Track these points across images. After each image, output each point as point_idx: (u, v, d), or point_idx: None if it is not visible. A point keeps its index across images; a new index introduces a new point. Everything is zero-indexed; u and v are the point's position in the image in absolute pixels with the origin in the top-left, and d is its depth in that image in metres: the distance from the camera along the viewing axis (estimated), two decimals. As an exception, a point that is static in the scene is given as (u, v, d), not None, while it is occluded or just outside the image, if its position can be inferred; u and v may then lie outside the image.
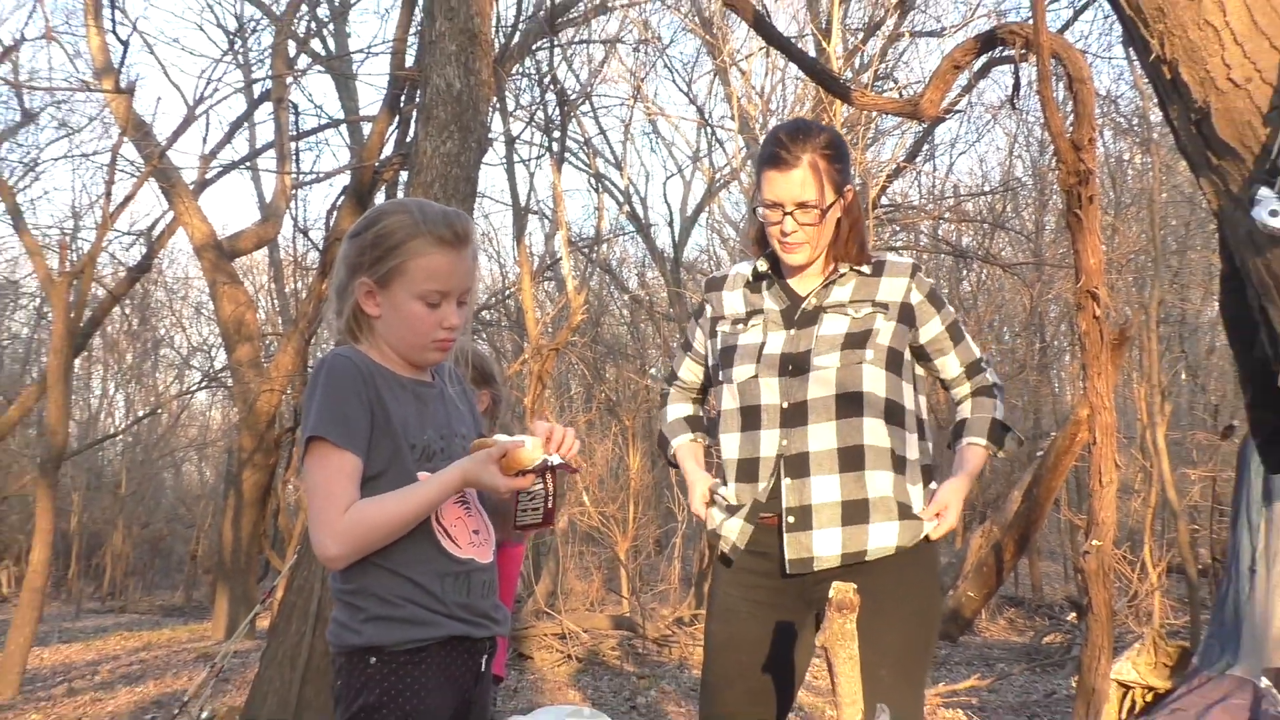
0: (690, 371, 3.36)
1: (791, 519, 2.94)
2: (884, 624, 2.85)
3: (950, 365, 3.09)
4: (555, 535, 12.09)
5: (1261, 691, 5.72)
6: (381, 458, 2.37)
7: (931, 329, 3.06)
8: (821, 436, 2.93)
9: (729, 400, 3.06)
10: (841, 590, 2.52)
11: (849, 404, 2.93)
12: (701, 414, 3.41)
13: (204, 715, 6.77)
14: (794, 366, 2.97)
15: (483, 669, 2.49)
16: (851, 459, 2.93)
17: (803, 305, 3.04)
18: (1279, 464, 2.40)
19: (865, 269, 3.05)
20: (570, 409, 16.92)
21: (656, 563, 15.21)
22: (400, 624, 2.35)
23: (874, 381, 2.94)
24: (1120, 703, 6.85)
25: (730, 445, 3.06)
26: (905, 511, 2.95)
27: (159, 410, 24.36)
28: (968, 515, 13.85)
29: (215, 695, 8.47)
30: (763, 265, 3.13)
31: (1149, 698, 6.90)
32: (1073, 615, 11.34)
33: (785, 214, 2.96)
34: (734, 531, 3.03)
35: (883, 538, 2.92)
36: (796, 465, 2.95)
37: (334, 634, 2.41)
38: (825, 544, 2.92)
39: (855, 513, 2.92)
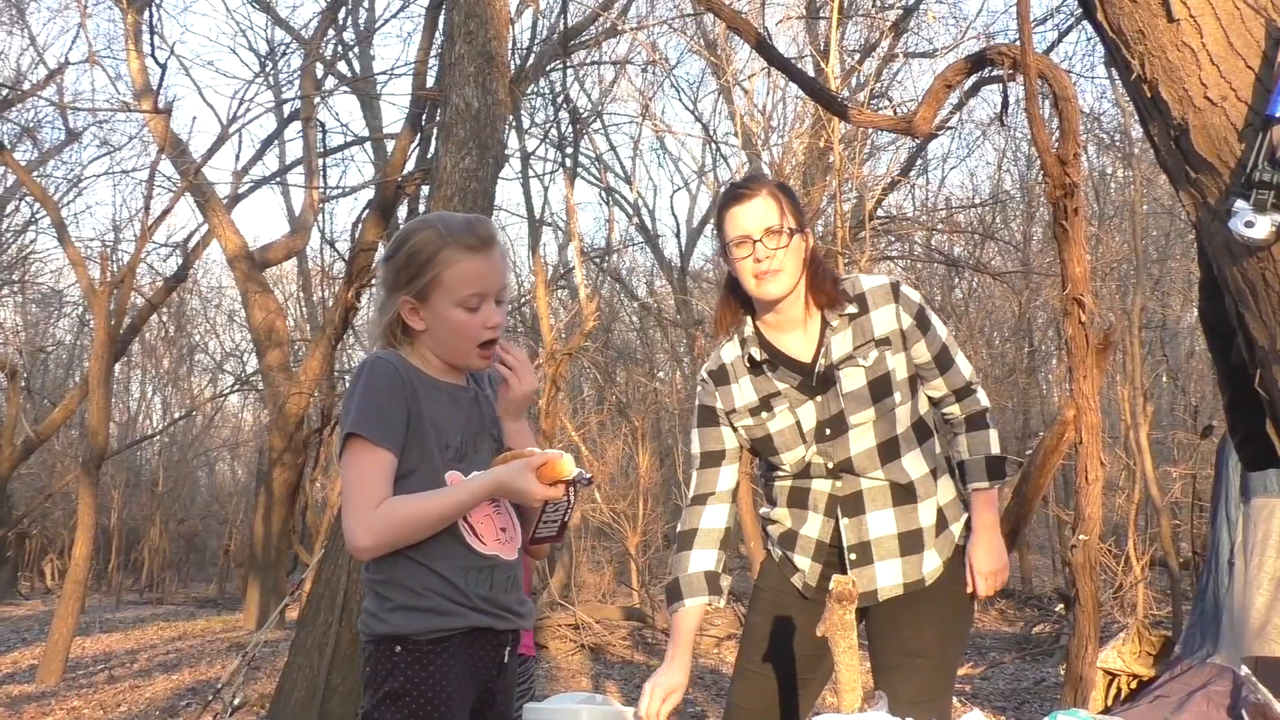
0: (721, 478, 3.03)
1: (854, 556, 2.91)
2: (923, 614, 2.89)
3: (939, 387, 2.98)
4: (570, 530, 12.07)
5: (1240, 679, 5.69)
6: (413, 456, 2.36)
7: (919, 353, 2.94)
8: (870, 480, 2.91)
9: (781, 478, 3.01)
10: (841, 582, 2.52)
11: (889, 450, 2.90)
12: (722, 562, 3.04)
13: (236, 701, 6.77)
14: (831, 430, 2.89)
15: (505, 660, 2.47)
16: (902, 494, 2.91)
17: (815, 371, 2.90)
18: (1255, 462, 2.39)
19: (852, 309, 2.90)
20: (583, 411, 16.89)
21: (665, 556, 15.17)
22: (425, 614, 2.35)
23: (904, 420, 2.91)
24: (1106, 689, 6.83)
25: (781, 515, 3.04)
26: (941, 525, 2.95)
27: (194, 412, 24.44)
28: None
29: (247, 682, 8.48)
30: (756, 352, 2.94)
31: (1134, 685, 6.89)
32: (1061, 606, 11.30)
33: (755, 242, 2.82)
34: (805, 569, 3.00)
35: (931, 562, 2.93)
36: (852, 504, 2.92)
37: (363, 622, 2.42)
38: (889, 575, 2.91)
39: (912, 543, 2.92)
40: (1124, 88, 2.57)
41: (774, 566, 3.10)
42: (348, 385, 2.50)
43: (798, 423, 2.92)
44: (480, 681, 2.42)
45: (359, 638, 2.46)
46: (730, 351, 3.01)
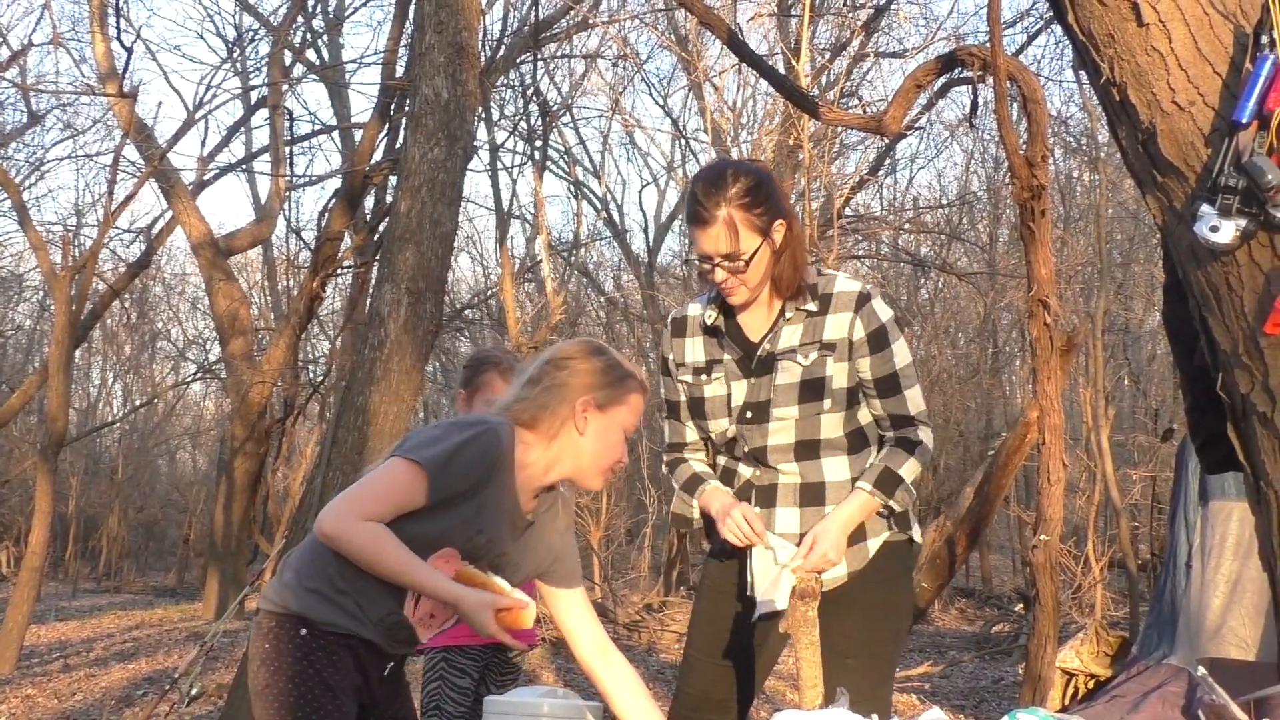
0: (689, 430, 3.09)
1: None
2: (850, 614, 2.86)
3: (876, 409, 2.92)
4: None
5: (1196, 680, 5.75)
6: (440, 520, 2.42)
7: (863, 369, 2.89)
8: (786, 475, 2.92)
9: (718, 454, 3.06)
10: (805, 579, 2.53)
11: (807, 450, 2.90)
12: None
13: (193, 691, 6.72)
14: (753, 415, 2.91)
15: (387, 672, 2.56)
16: (812, 495, 2.91)
17: (757, 354, 2.92)
18: (1215, 466, 2.41)
19: (812, 305, 2.90)
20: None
21: (628, 551, 15.21)
22: (335, 608, 2.41)
23: (832, 427, 2.89)
24: (1064, 689, 6.89)
25: None
26: (856, 534, 2.90)
27: (155, 400, 24.23)
28: (922, 510, 13.90)
29: (204, 672, 8.40)
30: (712, 316, 2.98)
31: (1091, 684, 6.94)
32: (1020, 606, 11.39)
33: (714, 265, 2.84)
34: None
35: (836, 569, 2.87)
36: (766, 495, 2.94)
37: (275, 592, 2.45)
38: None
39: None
40: (1093, 91, 2.58)
41: (715, 557, 3.10)
42: (441, 423, 2.57)
43: (729, 395, 2.95)
44: (366, 681, 2.50)
45: (259, 608, 2.50)
46: (697, 308, 3.05)
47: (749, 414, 2.91)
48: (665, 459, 3.13)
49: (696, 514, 3.03)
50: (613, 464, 2.60)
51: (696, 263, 2.93)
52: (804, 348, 2.88)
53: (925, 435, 2.91)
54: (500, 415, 2.53)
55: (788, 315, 2.90)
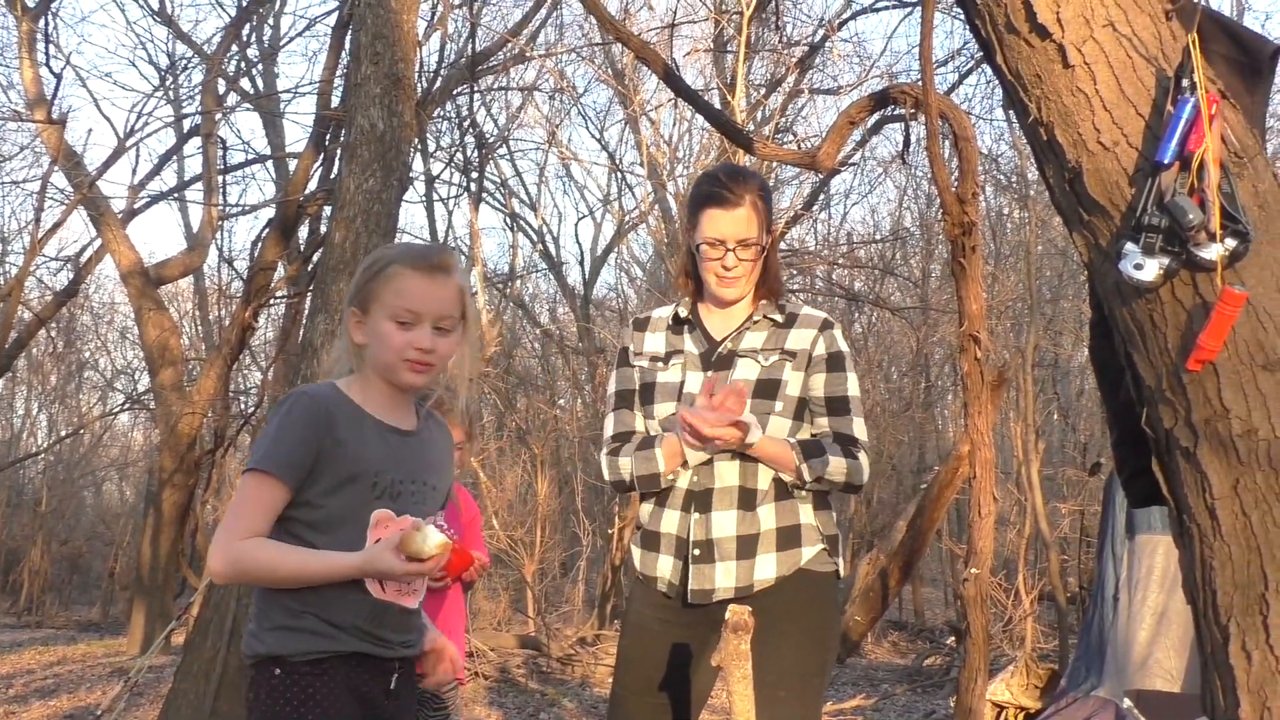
0: (638, 419, 3.09)
1: (697, 551, 2.93)
2: (778, 646, 2.85)
3: (823, 426, 2.97)
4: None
5: (1122, 712, 5.82)
6: (327, 488, 2.33)
7: (815, 385, 2.97)
8: (726, 475, 2.93)
9: (652, 432, 3.05)
10: (737, 612, 2.53)
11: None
12: None
13: (117, 728, 6.61)
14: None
15: (393, 685, 2.42)
16: (746, 497, 2.93)
17: (718, 350, 3.01)
18: (1141, 500, 2.44)
19: (778, 317, 3.02)
20: (482, 436, 16.79)
21: (562, 585, 15.12)
22: (300, 634, 2.31)
23: (779, 431, 2.93)
24: (994, 721, 6.93)
25: (645, 510, 3.07)
26: (789, 540, 2.94)
27: (81, 430, 23.82)
28: (855, 544, 13.97)
29: (129, 709, 8.26)
30: (684, 310, 3.09)
31: (1021, 717, 7.00)
32: (952, 639, 11.45)
33: (728, 250, 2.94)
34: (667, 569, 3.00)
35: (765, 570, 2.92)
36: (703, 500, 2.95)
37: (245, 643, 2.38)
38: (724, 577, 2.92)
39: (747, 547, 2.92)
40: (1022, 130, 2.63)
41: (639, 587, 3.11)
42: (269, 414, 2.49)
43: (682, 383, 3.01)
44: (367, 706, 2.37)
45: (244, 662, 2.41)
46: (662, 311, 3.17)
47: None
48: (606, 450, 3.10)
49: (662, 465, 2.97)
50: (397, 353, 2.36)
51: (702, 249, 2.98)
52: (765, 351, 2.99)
53: (864, 460, 2.96)
54: (329, 381, 2.48)
55: (755, 319, 3.02)
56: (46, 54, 11.88)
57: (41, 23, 12.36)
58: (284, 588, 2.31)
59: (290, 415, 2.35)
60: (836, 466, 2.91)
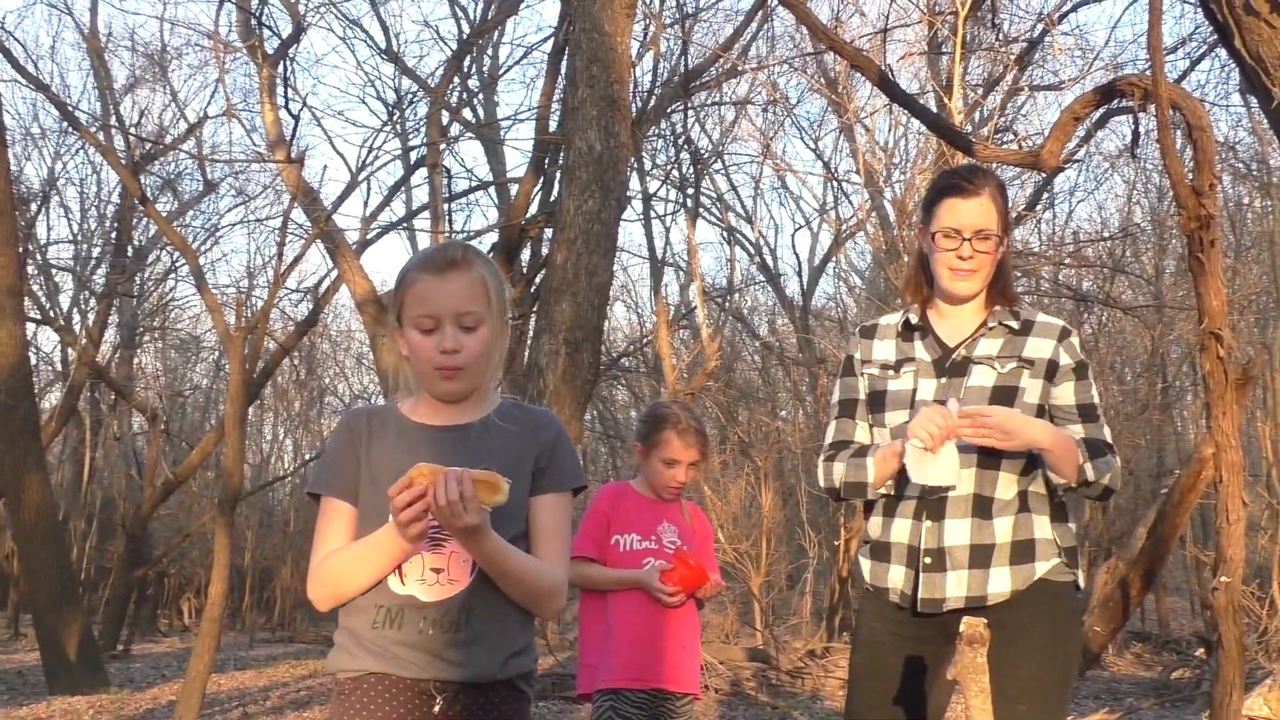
0: (859, 430, 3.06)
1: (928, 560, 2.88)
2: (1018, 659, 2.78)
3: (1076, 433, 2.89)
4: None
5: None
6: (366, 502, 2.31)
7: (1063, 394, 2.91)
8: (961, 482, 2.85)
9: (881, 442, 3.00)
10: (972, 625, 2.47)
11: (989, 456, 2.85)
12: None
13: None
14: None
15: (436, 711, 2.22)
16: (982, 505, 2.87)
17: (953, 356, 2.95)
18: None
19: (1014, 324, 2.95)
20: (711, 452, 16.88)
21: (789, 597, 15.07)
22: (338, 652, 2.32)
23: None
24: (1252, 737, 6.59)
25: (874, 524, 3.03)
26: (1024, 554, 2.86)
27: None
28: (1092, 551, 13.48)
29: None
30: (915, 317, 3.04)
31: (1281, 733, 6.63)
32: (1201, 651, 10.94)
33: (964, 240, 2.90)
34: (899, 579, 2.95)
35: (999, 583, 2.85)
36: (935, 508, 2.89)
37: None
38: (955, 586, 2.86)
39: (980, 557, 2.86)
40: (1263, 115, 2.51)
41: (869, 600, 3.06)
42: None
43: (914, 390, 2.96)
44: None
45: None
46: (890, 318, 3.12)
47: None
48: (822, 457, 3.07)
49: (872, 476, 2.94)
50: (428, 361, 2.30)
51: (938, 239, 2.94)
52: (1002, 358, 2.92)
53: (1117, 463, 2.91)
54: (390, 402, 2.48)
55: (990, 325, 2.96)
56: (285, 97, 12.53)
57: (280, 68, 13.03)
58: (369, 586, 2.26)
59: (334, 434, 2.43)
60: (1111, 470, 2.86)
